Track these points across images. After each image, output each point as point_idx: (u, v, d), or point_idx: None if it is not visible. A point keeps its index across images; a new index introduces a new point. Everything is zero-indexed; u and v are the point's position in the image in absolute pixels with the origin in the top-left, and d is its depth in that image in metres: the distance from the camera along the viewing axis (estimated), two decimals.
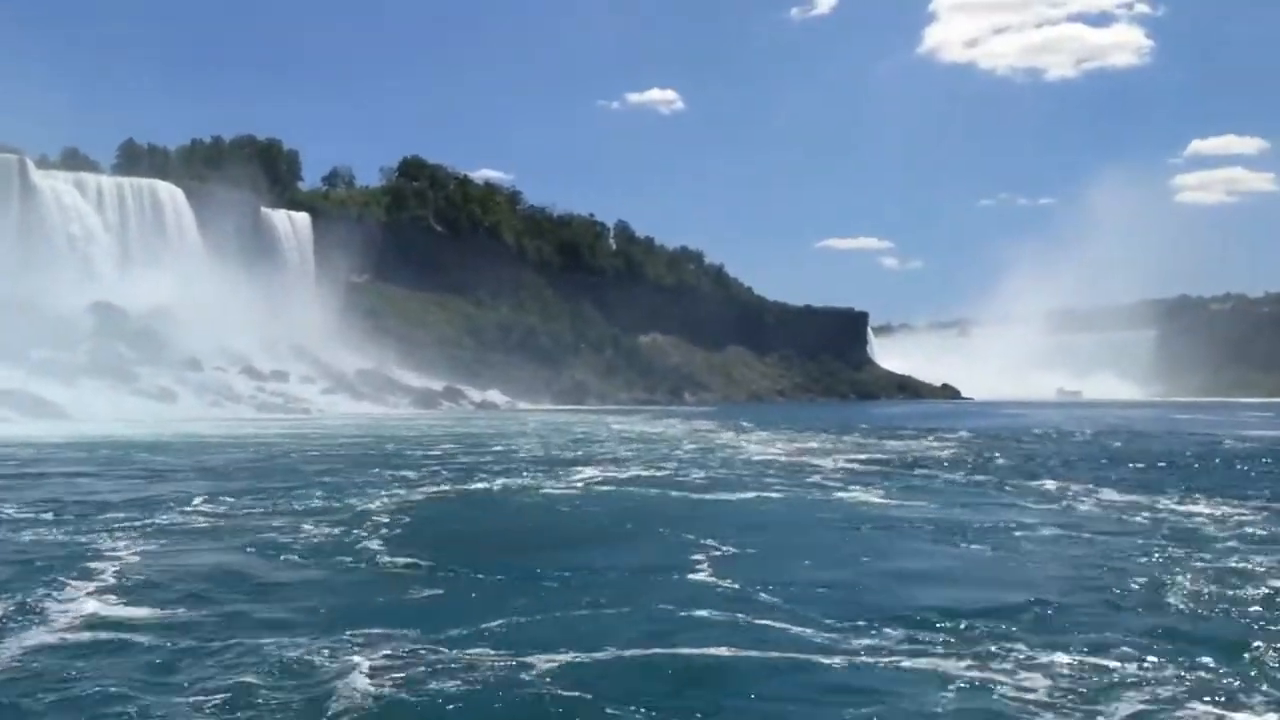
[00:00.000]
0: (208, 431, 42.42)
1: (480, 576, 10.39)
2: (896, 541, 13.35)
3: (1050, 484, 20.11)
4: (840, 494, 18.34)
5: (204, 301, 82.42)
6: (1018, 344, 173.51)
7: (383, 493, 17.70)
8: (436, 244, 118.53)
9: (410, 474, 21.81)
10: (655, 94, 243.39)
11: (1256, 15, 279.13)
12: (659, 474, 22.50)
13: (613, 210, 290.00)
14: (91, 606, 8.79)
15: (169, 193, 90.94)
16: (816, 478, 21.65)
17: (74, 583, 9.64)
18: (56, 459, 26.04)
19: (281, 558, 11.49)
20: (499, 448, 32.50)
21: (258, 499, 16.67)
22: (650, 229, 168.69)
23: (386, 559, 11.39)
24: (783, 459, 27.34)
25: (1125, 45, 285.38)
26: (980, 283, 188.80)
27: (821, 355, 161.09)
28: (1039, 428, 48.77)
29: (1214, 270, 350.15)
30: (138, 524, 13.61)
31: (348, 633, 7.79)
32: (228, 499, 16.49)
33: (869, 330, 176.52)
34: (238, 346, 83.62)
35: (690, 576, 10.49)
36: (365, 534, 13.04)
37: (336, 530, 13.36)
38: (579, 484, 19.99)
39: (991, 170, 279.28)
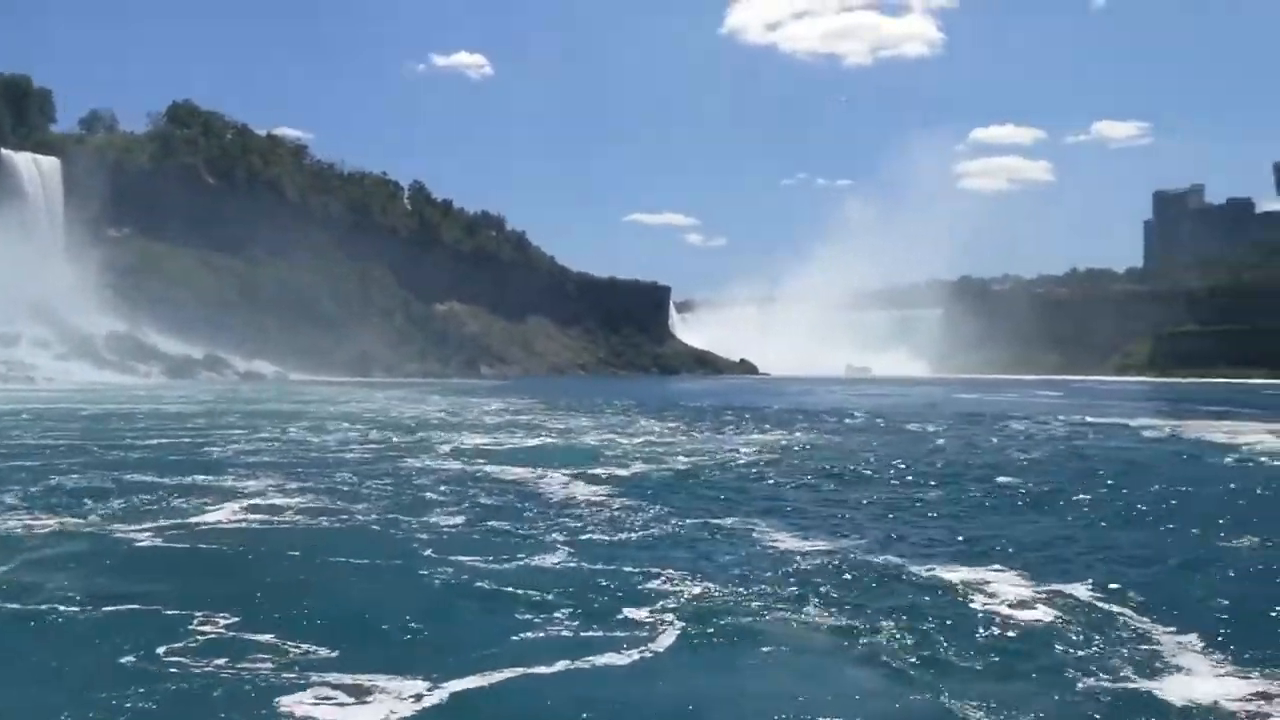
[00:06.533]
0: None
1: None
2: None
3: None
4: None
5: None
6: (812, 321, 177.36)
7: None
8: (209, 197, 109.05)
9: None
10: (463, 58, 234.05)
11: (1038, 15, 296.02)
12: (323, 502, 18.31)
13: (416, 175, 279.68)
14: None
15: None
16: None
17: None
18: None
19: None
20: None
21: None
22: (453, 196, 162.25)
23: None
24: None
25: (918, 35, 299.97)
26: (782, 261, 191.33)
27: (624, 329, 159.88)
28: (828, 409, 46.83)
29: (1000, 253, 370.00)
30: None
31: None
32: None
33: (671, 305, 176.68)
34: None
35: None
36: None
37: None
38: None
39: (792, 151, 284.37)
